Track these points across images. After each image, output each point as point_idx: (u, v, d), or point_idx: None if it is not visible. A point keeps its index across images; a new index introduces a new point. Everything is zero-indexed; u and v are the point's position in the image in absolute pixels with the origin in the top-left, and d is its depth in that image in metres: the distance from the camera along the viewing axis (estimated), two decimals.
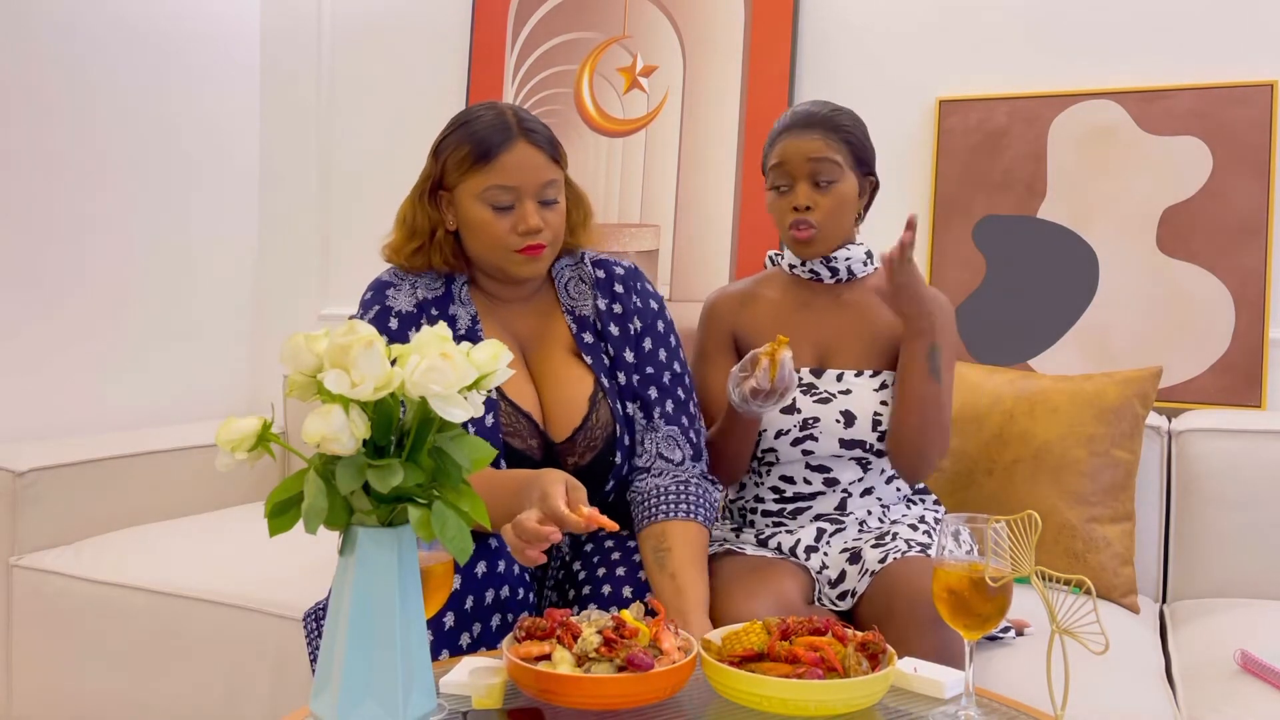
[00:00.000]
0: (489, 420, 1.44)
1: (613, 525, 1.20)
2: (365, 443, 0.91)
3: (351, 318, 1.50)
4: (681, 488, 1.47)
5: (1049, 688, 1.02)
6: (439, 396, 0.89)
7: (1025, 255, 2.22)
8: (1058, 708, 1.02)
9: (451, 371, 0.90)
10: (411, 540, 0.96)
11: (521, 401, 1.48)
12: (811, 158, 1.57)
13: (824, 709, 1.03)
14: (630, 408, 1.54)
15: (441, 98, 2.79)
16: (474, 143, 1.42)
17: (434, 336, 0.94)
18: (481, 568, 1.33)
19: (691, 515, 1.44)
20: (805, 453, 1.60)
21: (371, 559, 0.94)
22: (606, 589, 1.41)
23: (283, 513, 0.94)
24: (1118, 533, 1.84)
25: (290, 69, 2.96)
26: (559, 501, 1.20)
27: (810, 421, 1.58)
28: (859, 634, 1.11)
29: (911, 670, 1.16)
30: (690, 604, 1.33)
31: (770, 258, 1.75)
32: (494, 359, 0.96)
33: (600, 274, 1.58)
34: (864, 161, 1.62)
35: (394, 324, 1.47)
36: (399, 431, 0.94)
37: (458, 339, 1.48)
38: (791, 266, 1.68)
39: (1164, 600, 1.95)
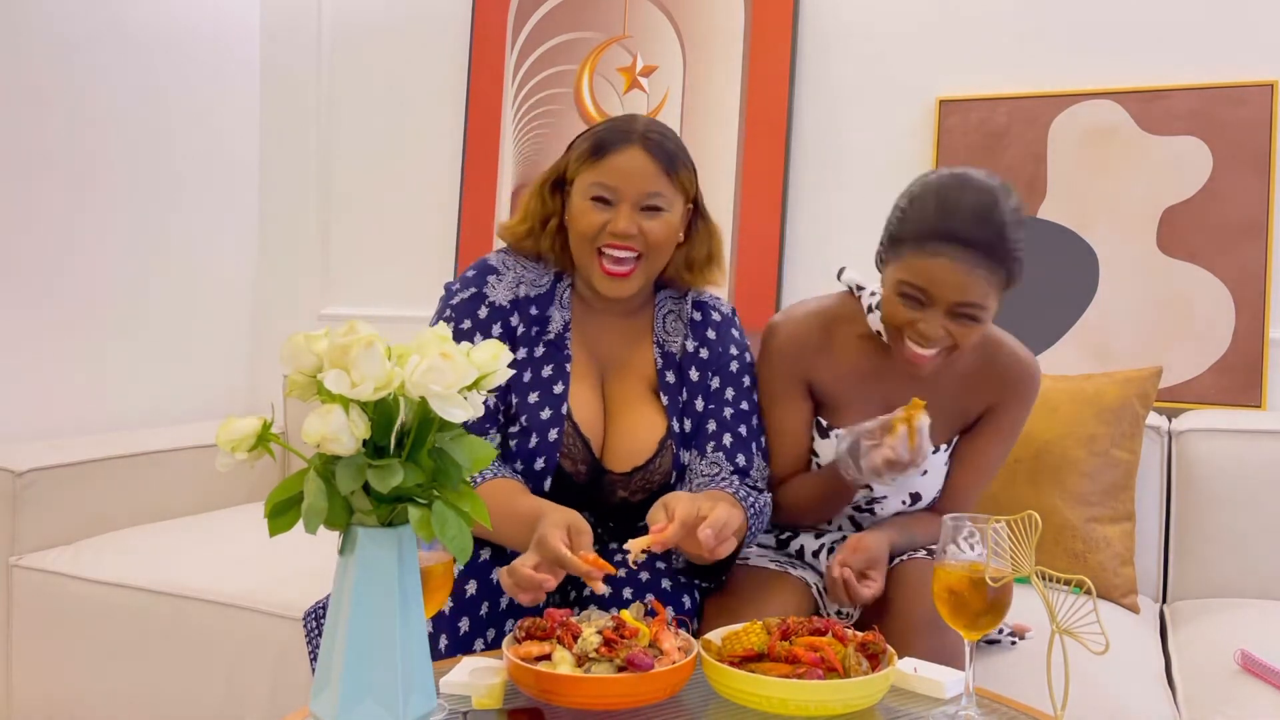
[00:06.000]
0: (552, 435, 1.42)
1: (612, 569, 1.18)
2: (365, 443, 0.91)
3: (447, 284, 1.49)
4: (722, 483, 1.43)
5: (1049, 688, 1.02)
6: (439, 396, 0.89)
7: (1025, 255, 2.21)
8: (1058, 708, 1.01)
9: (451, 371, 0.90)
10: (411, 540, 0.96)
11: (585, 425, 1.44)
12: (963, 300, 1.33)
13: (824, 709, 1.03)
14: (688, 455, 1.49)
15: (441, 97, 2.79)
16: (594, 141, 1.44)
17: (434, 336, 0.94)
18: (498, 573, 1.32)
19: (731, 491, 1.39)
20: (858, 520, 1.55)
21: (371, 559, 0.94)
22: (607, 591, 1.41)
23: (283, 513, 0.94)
24: (1118, 533, 1.84)
25: (290, 69, 2.96)
26: (558, 544, 1.17)
27: (878, 499, 1.51)
28: (859, 634, 1.11)
29: (912, 670, 1.15)
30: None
31: (852, 287, 1.51)
32: (494, 359, 0.96)
33: (697, 315, 1.53)
34: None
35: (483, 312, 1.45)
36: (399, 431, 0.94)
37: (545, 343, 1.46)
38: (878, 333, 1.47)
39: (1164, 600, 1.95)
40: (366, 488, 0.91)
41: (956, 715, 1.07)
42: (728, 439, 1.48)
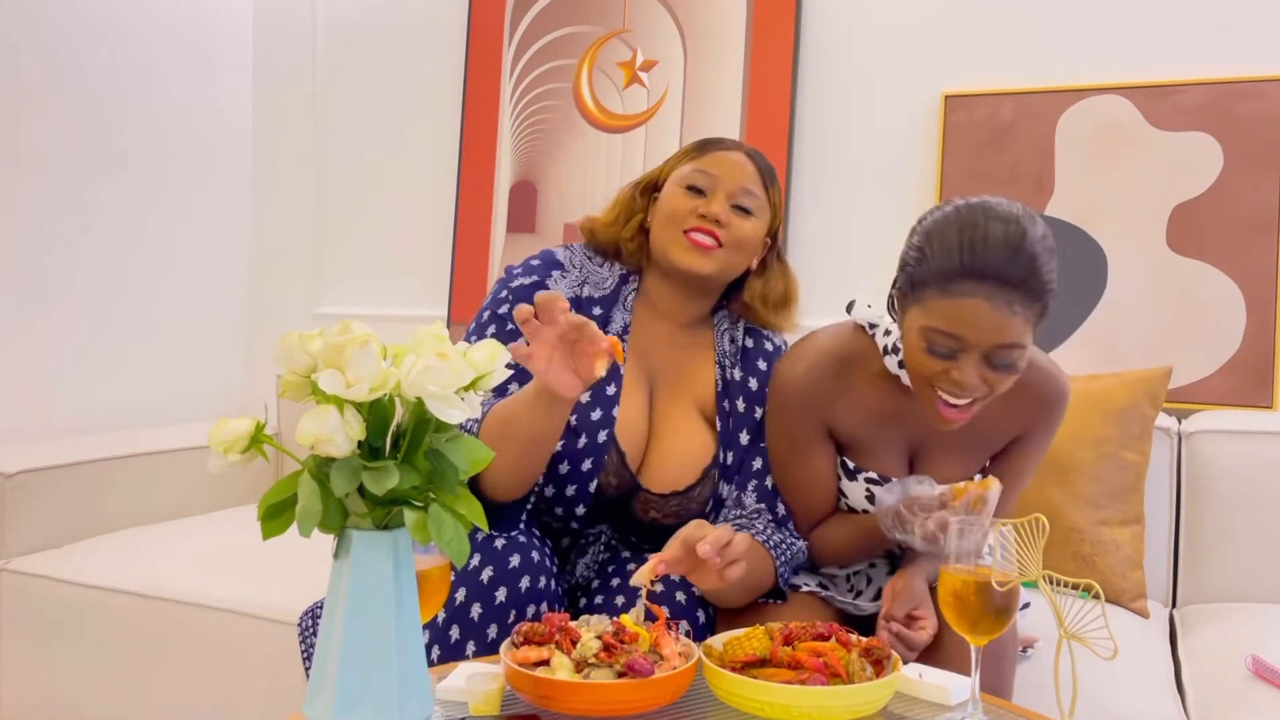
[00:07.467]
0: (602, 436, 1.39)
1: (621, 357, 1.13)
2: (360, 444, 0.89)
3: (508, 268, 1.47)
4: (756, 534, 1.37)
5: (1057, 694, 1.01)
6: (435, 397, 0.88)
7: (1059, 285, 2.19)
8: (1065, 714, 1.00)
9: (448, 372, 0.88)
10: (407, 543, 0.95)
11: (624, 437, 1.41)
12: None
13: (827, 715, 1.01)
14: (726, 489, 1.45)
15: (437, 94, 2.78)
16: (700, 141, 1.50)
17: (431, 336, 0.92)
18: (515, 560, 1.29)
19: (759, 539, 1.34)
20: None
21: (366, 562, 0.92)
22: (599, 599, 1.39)
23: (276, 515, 0.92)
24: (1127, 536, 1.82)
25: (284, 66, 2.94)
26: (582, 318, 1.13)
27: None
28: (863, 639, 1.10)
29: (916, 676, 1.14)
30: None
31: (864, 325, 1.40)
32: (491, 359, 0.94)
33: (749, 342, 1.51)
34: None
35: None
36: (395, 433, 0.93)
37: None
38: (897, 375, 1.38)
39: (1174, 605, 1.94)
40: (361, 490, 0.90)
41: None
42: (770, 481, 1.45)
